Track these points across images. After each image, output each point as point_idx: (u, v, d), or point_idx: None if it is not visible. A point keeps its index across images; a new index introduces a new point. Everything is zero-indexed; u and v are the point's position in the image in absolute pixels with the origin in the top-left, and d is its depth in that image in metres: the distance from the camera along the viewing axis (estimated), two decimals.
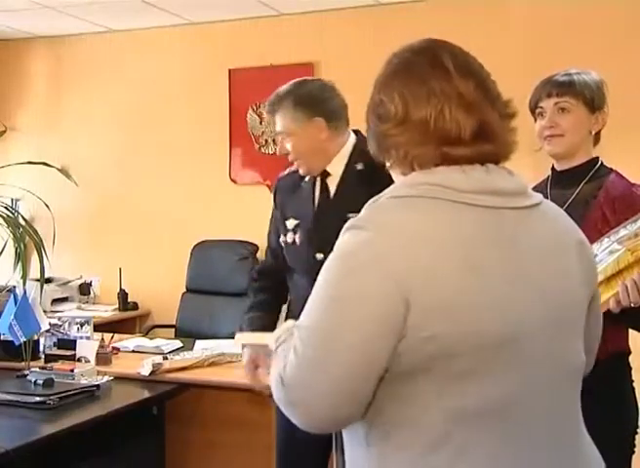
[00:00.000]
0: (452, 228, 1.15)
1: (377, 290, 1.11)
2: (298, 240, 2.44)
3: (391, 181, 1.29)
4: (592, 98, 2.10)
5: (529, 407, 1.16)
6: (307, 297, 1.53)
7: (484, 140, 1.20)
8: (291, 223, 2.47)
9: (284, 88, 2.41)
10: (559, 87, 2.10)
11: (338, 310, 1.13)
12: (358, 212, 2.07)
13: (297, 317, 1.24)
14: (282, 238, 2.49)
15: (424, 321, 1.10)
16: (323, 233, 2.29)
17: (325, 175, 2.42)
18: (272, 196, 2.60)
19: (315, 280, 1.18)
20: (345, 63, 4.79)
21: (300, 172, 2.44)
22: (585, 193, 2.09)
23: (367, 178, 2.27)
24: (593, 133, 2.14)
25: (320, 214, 2.41)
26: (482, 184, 1.18)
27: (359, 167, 2.38)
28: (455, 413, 1.12)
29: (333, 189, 2.42)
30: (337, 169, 2.41)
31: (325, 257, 1.17)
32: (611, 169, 2.16)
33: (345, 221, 1.19)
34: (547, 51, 4.19)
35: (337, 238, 1.19)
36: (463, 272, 1.12)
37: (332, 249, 1.18)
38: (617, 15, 4.24)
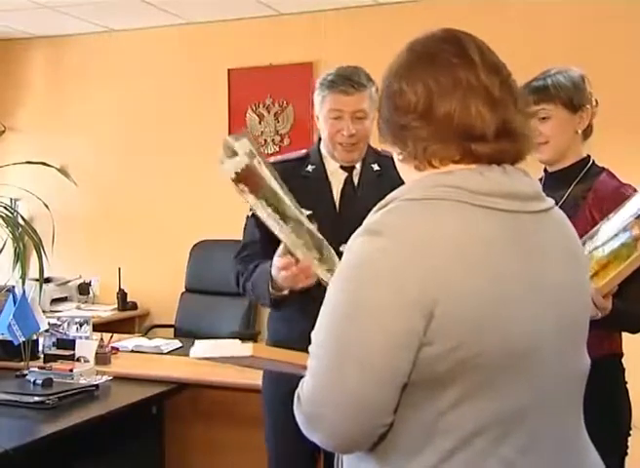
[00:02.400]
0: (472, 233, 1.09)
1: (395, 301, 1.05)
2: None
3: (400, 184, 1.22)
4: (570, 99, 2.04)
5: (542, 414, 1.14)
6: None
7: (506, 139, 1.15)
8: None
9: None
10: (534, 94, 2.04)
11: (353, 323, 1.07)
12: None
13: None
14: None
15: (448, 331, 1.06)
16: (348, 225, 2.27)
17: (351, 168, 2.44)
18: None
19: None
20: (345, 63, 4.79)
21: (346, 158, 2.42)
22: (576, 195, 2.05)
23: (382, 180, 2.32)
24: (580, 131, 2.09)
25: (343, 206, 2.39)
26: (500, 187, 1.13)
27: (375, 167, 2.42)
28: (472, 423, 1.09)
29: (356, 183, 2.43)
30: (358, 164, 2.44)
31: None
32: (602, 168, 2.11)
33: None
34: (547, 50, 4.18)
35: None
36: (486, 280, 1.08)
37: None
38: (617, 14, 4.24)
